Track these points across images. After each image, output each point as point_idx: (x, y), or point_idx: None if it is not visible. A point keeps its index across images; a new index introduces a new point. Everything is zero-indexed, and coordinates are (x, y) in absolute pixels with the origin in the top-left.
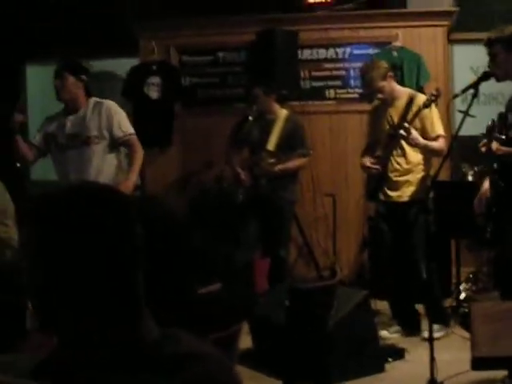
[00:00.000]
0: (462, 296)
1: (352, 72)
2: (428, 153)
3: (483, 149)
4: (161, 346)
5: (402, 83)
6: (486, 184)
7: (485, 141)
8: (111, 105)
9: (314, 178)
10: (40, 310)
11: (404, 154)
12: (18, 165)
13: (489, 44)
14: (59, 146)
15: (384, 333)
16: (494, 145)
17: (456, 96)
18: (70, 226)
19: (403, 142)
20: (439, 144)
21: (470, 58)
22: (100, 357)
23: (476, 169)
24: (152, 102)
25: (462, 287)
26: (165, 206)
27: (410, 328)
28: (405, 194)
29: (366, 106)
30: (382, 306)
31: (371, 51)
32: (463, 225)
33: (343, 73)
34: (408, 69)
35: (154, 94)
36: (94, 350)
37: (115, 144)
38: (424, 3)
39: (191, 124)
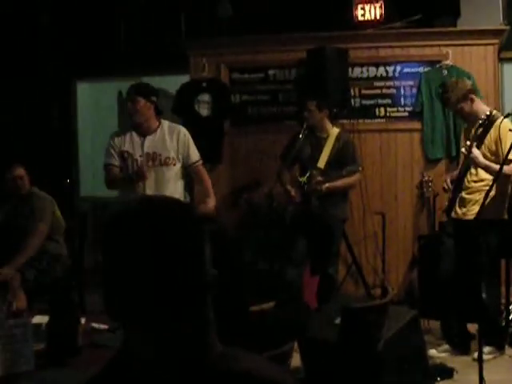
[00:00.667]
0: None
1: (402, 90)
2: (493, 174)
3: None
4: (224, 361)
5: None
6: None
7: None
8: (186, 131)
9: (364, 196)
10: (113, 309)
11: (476, 173)
12: (68, 181)
13: None
14: (136, 163)
15: (433, 352)
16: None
17: (508, 115)
18: (149, 238)
19: None
20: (507, 168)
21: None
22: (166, 363)
23: None
24: (202, 120)
25: (511, 307)
26: (220, 223)
27: (460, 348)
28: (471, 211)
29: (416, 124)
30: (431, 325)
31: (421, 69)
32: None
33: (393, 91)
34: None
35: (203, 111)
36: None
37: (185, 169)
38: (474, 22)
39: (240, 141)
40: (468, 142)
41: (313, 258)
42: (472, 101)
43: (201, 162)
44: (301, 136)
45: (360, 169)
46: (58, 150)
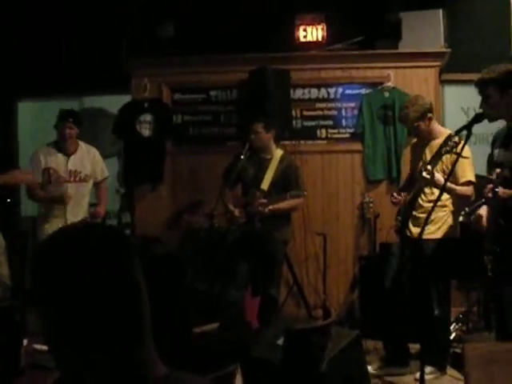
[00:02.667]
0: (453, 336)
1: (343, 112)
2: (454, 196)
3: (490, 194)
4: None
5: (393, 123)
6: (482, 211)
7: (490, 186)
8: (97, 151)
9: (306, 216)
10: (48, 335)
11: (431, 193)
12: (9, 200)
13: (481, 85)
14: (60, 179)
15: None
16: (501, 190)
17: (449, 137)
18: (79, 261)
19: None
20: (465, 189)
21: (461, 99)
22: None
23: (467, 209)
24: (143, 140)
25: (452, 327)
26: (165, 245)
27: (399, 366)
28: (426, 231)
29: (357, 146)
30: (372, 345)
31: (363, 91)
32: (454, 265)
33: (335, 112)
34: (400, 109)
35: (145, 131)
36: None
37: (94, 185)
38: (416, 44)
39: (182, 162)
40: (429, 167)
41: (254, 280)
42: (430, 120)
43: (106, 179)
44: (242, 157)
45: (304, 193)
46: None
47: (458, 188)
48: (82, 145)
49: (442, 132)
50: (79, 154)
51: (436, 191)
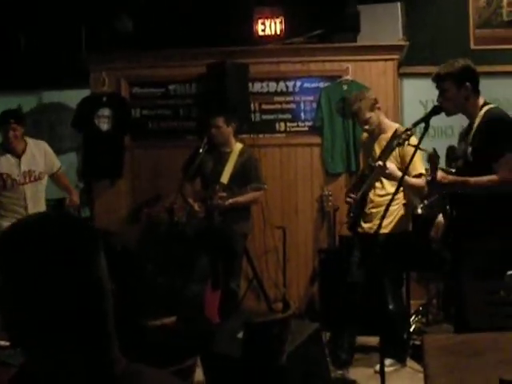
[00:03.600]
0: (413, 328)
1: (302, 105)
2: (407, 189)
3: (428, 178)
4: (128, 376)
5: (352, 116)
6: (440, 217)
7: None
8: (45, 144)
9: (265, 210)
10: (11, 332)
11: (382, 187)
12: None
13: (438, 79)
14: (15, 183)
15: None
16: (440, 174)
17: (407, 130)
18: (41, 254)
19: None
20: (417, 181)
21: (420, 92)
22: (70, 380)
23: (426, 202)
24: (102, 134)
25: (411, 319)
26: (122, 239)
27: (343, 361)
28: (379, 225)
29: (316, 139)
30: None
31: (322, 85)
32: (414, 257)
33: (293, 106)
34: (349, 105)
35: (104, 125)
36: (62, 372)
37: (50, 177)
38: (374, 37)
39: (141, 156)
40: (380, 162)
41: (214, 273)
42: (378, 111)
43: (61, 168)
44: (202, 150)
45: (264, 186)
46: None
47: (414, 180)
48: (30, 142)
49: (390, 125)
50: (29, 153)
51: (387, 185)
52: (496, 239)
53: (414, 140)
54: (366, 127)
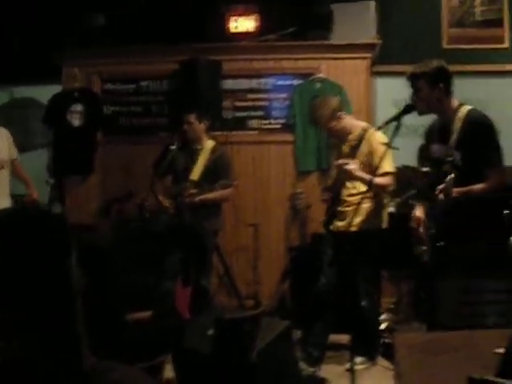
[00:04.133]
0: (383, 326)
1: (275, 103)
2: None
3: (441, 195)
4: (97, 373)
5: None
6: (418, 212)
7: (443, 186)
8: (6, 131)
9: (237, 207)
10: None
11: (353, 186)
12: None
13: (412, 78)
14: None
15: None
16: (456, 190)
17: (379, 128)
18: (10, 250)
19: None
20: (382, 180)
21: (393, 91)
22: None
23: (398, 200)
24: (74, 130)
25: (382, 318)
26: (94, 235)
27: (316, 359)
28: (351, 223)
29: (288, 137)
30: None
31: (295, 82)
32: (387, 255)
33: (266, 103)
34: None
35: (76, 121)
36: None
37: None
38: (347, 36)
39: (113, 152)
40: (341, 160)
41: (185, 270)
42: (340, 118)
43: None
44: (173, 147)
45: (234, 183)
46: None
47: (377, 179)
48: None
49: (355, 126)
50: None
51: (359, 184)
52: (482, 244)
53: (379, 136)
54: (330, 135)
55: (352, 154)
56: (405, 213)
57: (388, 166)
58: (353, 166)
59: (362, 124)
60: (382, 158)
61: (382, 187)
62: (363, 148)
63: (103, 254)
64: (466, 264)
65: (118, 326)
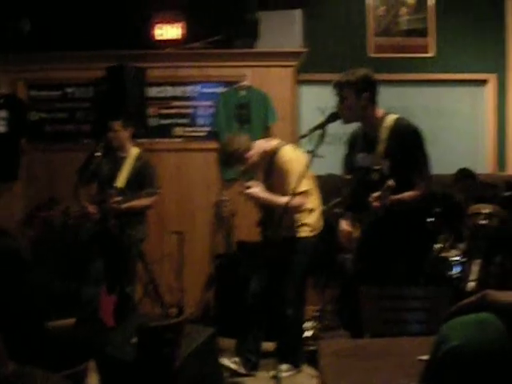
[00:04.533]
0: (308, 334)
1: (200, 110)
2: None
3: (376, 203)
4: (17, 380)
5: (249, 123)
6: (345, 225)
7: (378, 193)
8: None
9: (161, 214)
10: None
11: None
12: None
13: (338, 87)
14: None
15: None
16: (390, 197)
17: (303, 136)
18: None
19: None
20: (292, 201)
21: (319, 99)
22: None
23: (323, 207)
24: None
25: (307, 325)
26: (10, 240)
27: (252, 365)
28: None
29: (213, 144)
30: (228, 343)
31: (220, 90)
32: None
33: (191, 111)
34: (256, 108)
35: (0, 127)
36: None
37: None
38: (274, 44)
39: (37, 159)
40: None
41: (109, 277)
42: (251, 155)
43: None
44: (98, 154)
45: (158, 191)
46: None
47: (286, 200)
48: None
49: (267, 149)
50: None
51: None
52: (405, 253)
53: (286, 153)
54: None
55: (267, 179)
56: (330, 220)
57: (297, 184)
58: (254, 189)
59: (273, 144)
60: (288, 178)
61: (294, 208)
62: (274, 170)
63: (19, 258)
64: (388, 272)
65: (38, 333)
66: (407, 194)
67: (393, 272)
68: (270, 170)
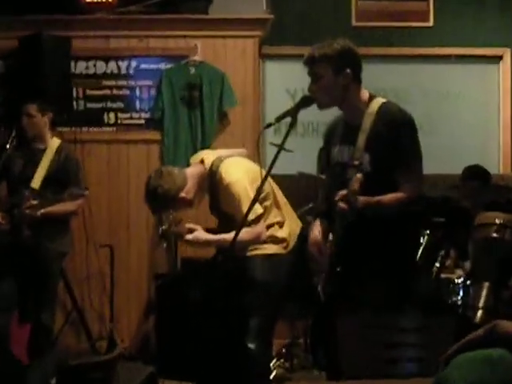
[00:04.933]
0: (273, 375)
1: (138, 91)
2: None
3: (342, 204)
4: None
5: (200, 106)
6: (316, 231)
7: (344, 192)
8: None
9: (87, 223)
10: None
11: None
12: None
13: (312, 62)
14: None
15: None
16: (362, 199)
17: (269, 125)
18: None
19: None
20: (245, 235)
21: (287, 78)
22: None
23: (305, 208)
24: None
25: (273, 364)
26: None
27: None
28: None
29: (155, 135)
30: None
31: (163, 66)
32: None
33: (127, 92)
34: (209, 90)
35: None
36: None
37: None
38: (231, 9)
39: None
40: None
41: (22, 302)
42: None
43: None
44: (8, 146)
45: (85, 192)
46: None
47: (233, 236)
48: None
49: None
50: None
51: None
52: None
53: (225, 173)
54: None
55: (215, 204)
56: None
57: (248, 210)
58: (195, 234)
59: (208, 162)
60: (237, 205)
61: (250, 242)
62: (219, 194)
63: None
64: (370, 297)
65: None
66: (389, 196)
67: (370, 296)
68: (215, 194)
